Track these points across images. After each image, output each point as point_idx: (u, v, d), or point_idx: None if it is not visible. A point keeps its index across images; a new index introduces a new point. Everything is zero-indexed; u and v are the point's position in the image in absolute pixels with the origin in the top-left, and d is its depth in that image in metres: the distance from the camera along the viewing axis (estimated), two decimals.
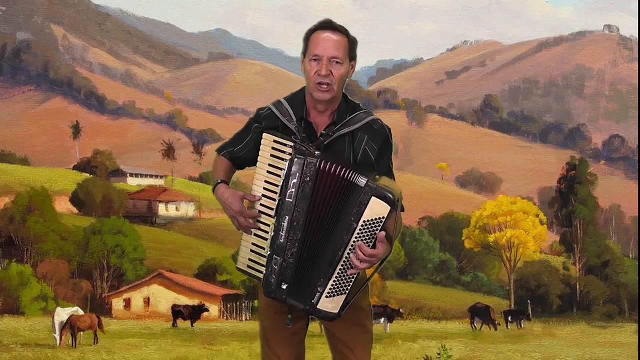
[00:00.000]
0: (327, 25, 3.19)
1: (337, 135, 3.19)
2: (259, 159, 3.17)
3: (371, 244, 3.06)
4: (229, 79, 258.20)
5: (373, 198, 3.03)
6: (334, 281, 3.10)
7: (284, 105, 3.26)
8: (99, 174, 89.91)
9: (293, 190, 3.06)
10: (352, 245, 3.06)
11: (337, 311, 3.14)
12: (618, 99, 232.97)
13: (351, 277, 3.11)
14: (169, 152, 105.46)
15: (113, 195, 74.76)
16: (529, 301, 48.50)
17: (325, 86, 3.15)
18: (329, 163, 3.05)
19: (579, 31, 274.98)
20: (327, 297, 3.11)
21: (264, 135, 3.16)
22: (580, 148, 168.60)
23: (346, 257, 3.08)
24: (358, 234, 3.05)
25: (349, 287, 3.13)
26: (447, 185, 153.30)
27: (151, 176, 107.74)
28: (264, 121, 3.27)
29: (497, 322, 30.96)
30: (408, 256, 66.66)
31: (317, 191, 3.06)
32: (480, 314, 31.37)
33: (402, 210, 3.17)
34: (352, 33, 3.23)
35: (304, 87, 3.29)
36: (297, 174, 3.06)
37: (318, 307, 3.12)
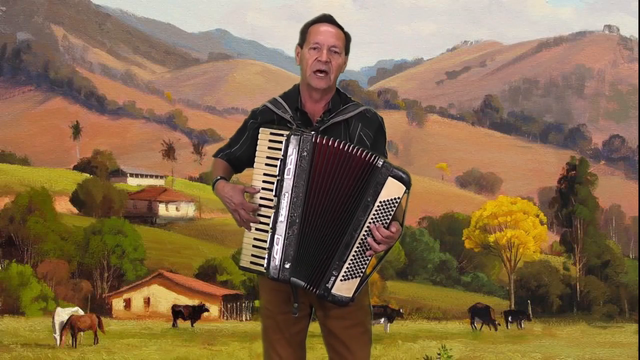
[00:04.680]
0: (327, 19, 3.29)
1: (332, 122, 3.23)
2: (256, 153, 3.15)
3: (386, 225, 3.05)
4: (229, 79, 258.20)
5: (389, 178, 3.03)
6: (349, 263, 3.06)
7: (279, 101, 3.31)
8: (99, 174, 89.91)
9: (291, 166, 3.05)
10: (367, 227, 3.05)
11: (351, 295, 3.10)
12: (618, 99, 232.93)
13: (367, 259, 3.09)
14: (169, 152, 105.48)
15: (113, 195, 74.77)
16: (529, 301, 48.48)
17: (322, 74, 3.21)
18: (325, 137, 3.07)
19: (579, 31, 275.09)
20: (341, 280, 3.07)
21: (261, 129, 3.16)
22: (580, 148, 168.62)
23: (362, 239, 3.05)
24: (374, 214, 3.04)
25: (364, 270, 3.10)
26: (447, 185, 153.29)
27: (151, 176, 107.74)
28: (260, 116, 3.29)
29: (497, 322, 30.94)
30: (408, 256, 66.62)
31: (315, 165, 3.06)
32: (480, 314, 31.35)
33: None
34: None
35: (297, 83, 3.35)
36: (295, 150, 3.05)
37: (332, 291, 3.07)
